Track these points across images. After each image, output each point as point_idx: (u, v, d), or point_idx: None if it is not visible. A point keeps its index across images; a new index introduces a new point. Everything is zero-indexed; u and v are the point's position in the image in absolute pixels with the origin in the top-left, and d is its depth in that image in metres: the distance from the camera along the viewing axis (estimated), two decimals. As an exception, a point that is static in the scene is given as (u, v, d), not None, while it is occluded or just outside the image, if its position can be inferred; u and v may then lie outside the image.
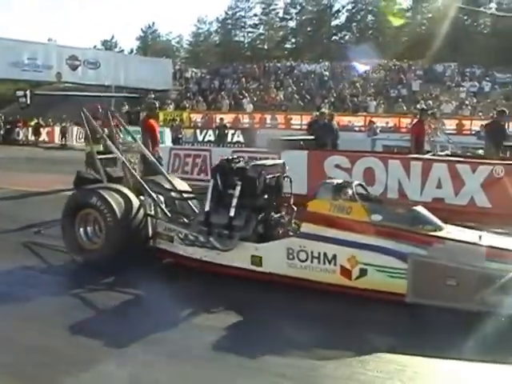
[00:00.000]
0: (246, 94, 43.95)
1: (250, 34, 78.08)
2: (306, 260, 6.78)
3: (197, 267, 7.52)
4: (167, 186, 8.83)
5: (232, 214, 7.23)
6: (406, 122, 32.53)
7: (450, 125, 30.69)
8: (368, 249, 6.47)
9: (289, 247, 6.89)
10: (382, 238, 6.45)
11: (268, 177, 7.59)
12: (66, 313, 6.21)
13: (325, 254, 6.67)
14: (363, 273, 6.49)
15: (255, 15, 77.49)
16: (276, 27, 76.46)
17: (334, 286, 6.64)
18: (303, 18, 74.01)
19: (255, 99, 43.52)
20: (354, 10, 72.73)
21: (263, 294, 6.81)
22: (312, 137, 16.41)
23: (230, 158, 7.89)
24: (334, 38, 73.26)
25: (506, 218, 10.00)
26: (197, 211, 8.47)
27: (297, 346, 5.38)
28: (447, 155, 14.29)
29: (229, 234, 7.24)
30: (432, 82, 44.61)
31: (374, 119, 33.10)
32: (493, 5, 66.48)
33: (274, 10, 76.47)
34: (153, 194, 8.17)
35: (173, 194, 8.78)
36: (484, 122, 22.34)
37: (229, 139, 28.96)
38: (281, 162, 8.34)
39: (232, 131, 30.36)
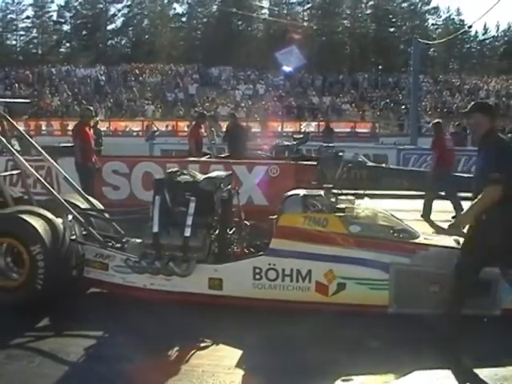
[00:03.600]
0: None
1: (22, 38, 74.30)
2: (277, 279, 6.38)
3: (138, 296, 6.62)
4: (83, 204, 7.77)
5: (188, 233, 6.46)
6: (184, 125, 32.79)
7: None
8: (347, 262, 6.27)
9: (256, 266, 6.43)
10: (362, 250, 6.29)
11: (224, 190, 7.07)
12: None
13: (298, 271, 6.33)
14: (341, 287, 6.28)
15: (28, 17, 73.70)
16: (50, 31, 73.56)
17: (308, 304, 6.32)
18: (78, 21, 72.06)
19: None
20: (130, 15, 72.27)
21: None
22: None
23: (173, 170, 7.11)
24: (109, 42, 72.40)
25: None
26: (123, 232, 7.63)
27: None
28: (226, 156, 14.66)
29: (183, 257, 6.50)
30: (208, 85, 45.61)
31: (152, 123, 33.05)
32: (265, 10, 69.41)
33: (48, 12, 73.24)
34: (78, 216, 7.08)
35: (93, 213, 7.74)
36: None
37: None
38: (229, 173, 7.81)
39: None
